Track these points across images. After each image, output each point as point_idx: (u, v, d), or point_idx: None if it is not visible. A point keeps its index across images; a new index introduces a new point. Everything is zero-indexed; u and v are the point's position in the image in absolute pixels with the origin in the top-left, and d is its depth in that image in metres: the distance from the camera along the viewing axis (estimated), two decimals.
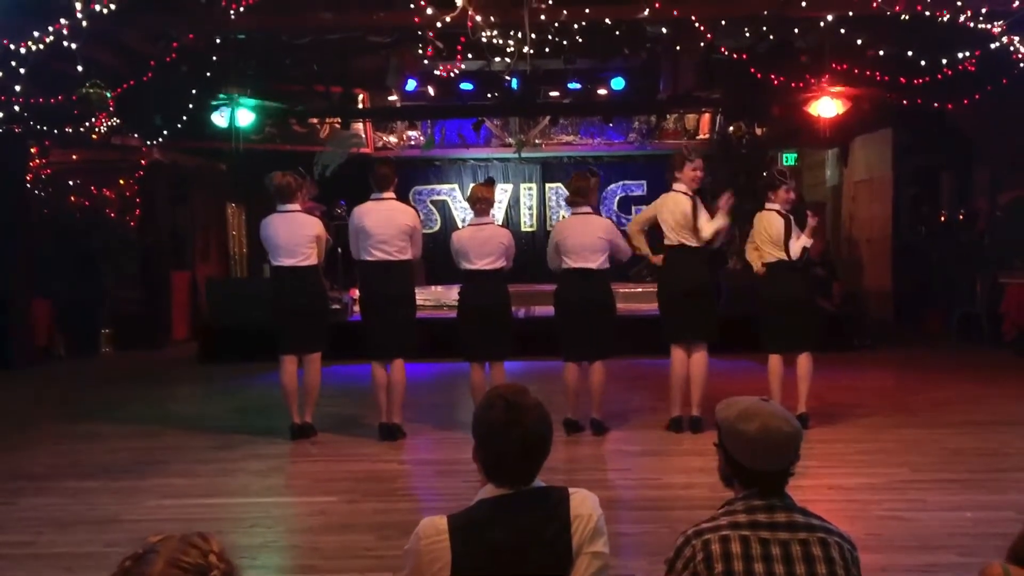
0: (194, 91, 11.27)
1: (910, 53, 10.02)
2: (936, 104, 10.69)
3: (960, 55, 9.62)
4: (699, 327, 6.91)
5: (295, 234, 6.90)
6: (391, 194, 6.98)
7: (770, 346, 7.06)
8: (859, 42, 9.87)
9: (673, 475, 5.85)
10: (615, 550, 2.41)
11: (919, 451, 6.30)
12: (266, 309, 7.13)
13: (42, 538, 4.80)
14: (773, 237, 6.92)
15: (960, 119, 11.15)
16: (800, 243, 6.87)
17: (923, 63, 9.97)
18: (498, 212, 15.89)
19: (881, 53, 10.37)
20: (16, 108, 9.15)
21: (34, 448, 6.94)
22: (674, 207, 6.89)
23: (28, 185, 11.81)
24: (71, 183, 12.68)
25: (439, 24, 8.98)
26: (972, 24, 8.56)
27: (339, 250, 10.15)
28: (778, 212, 6.97)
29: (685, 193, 6.86)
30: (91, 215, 12.58)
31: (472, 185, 7.80)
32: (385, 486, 5.80)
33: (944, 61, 9.82)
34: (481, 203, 7.08)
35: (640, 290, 11.89)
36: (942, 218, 12.91)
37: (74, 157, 12.38)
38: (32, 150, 11.75)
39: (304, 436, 6.93)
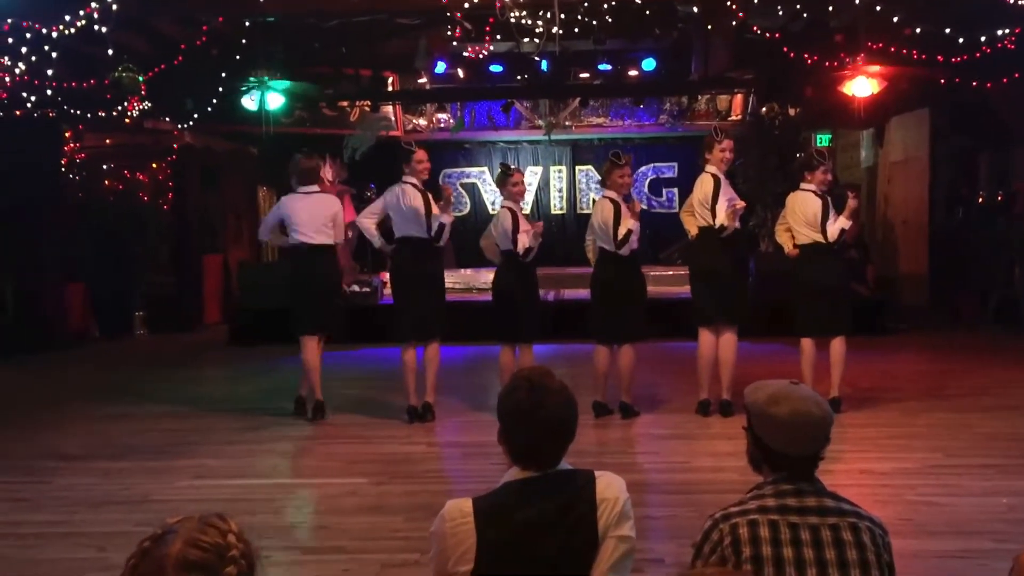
0: (224, 75, 11.32)
1: (948, 30, 9.82)
2: (974, 83, 10.47)
3: (999, 32, 9.40)
4: (728, 310, 6.85)
5: (318, 214, 6.95)
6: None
7: (803, 330, 6.97)
8: (895, 19, 9.68)
9: (701, 459, 5.82)
10: (642, 533, 2.39)
11: (953, 436, 6.21)
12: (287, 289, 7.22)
13: (75, 517, 4.87)
14: (809, 218, 6.82)
15: (999, 99, 10.92)
16: (838, 225, 6.76)
17: (961, 41, 9.76)
18: (528, 195, 15.84)
19: (918, 31, 10.17)
20: (49, 92, 9.24)
21: (68, 429, 7.04)
22: (698, 188, 6.85)
23: (63, 169, 11.94)
24: (104, 167, 12.81)
25: (467, 5, 8.93)
26: (1011, 0, 8.36)
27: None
28: (814, 193, 6.86)
29: (713, 175, 6.79)
30: (124, 199, 12.70)
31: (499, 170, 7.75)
32: (413, 468, 5.82)
33: (983, 39, 9.61)
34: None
35: (671, 273, 11.82)
36: (979, 200, 12.67)
37: (107, 141, 12.50)
38: (66, 134, 11.87)
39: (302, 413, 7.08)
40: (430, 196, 6.92)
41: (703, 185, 6.81)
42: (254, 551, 1.52)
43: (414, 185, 6.89)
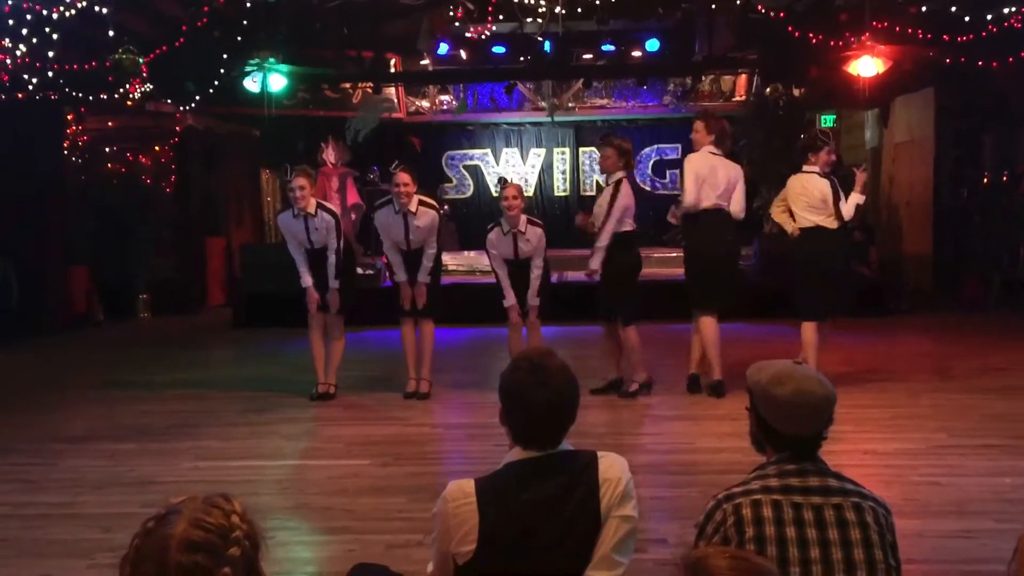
0: (226, 56, 11.27)
1: (954, 9, 9.74)
2: (980, 63, 10.39)
3: (1005, 11, 9.33)
4: (724, 295, 6.87)
5: None
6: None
7: (804, 314, 6.93)
8: None
9: (704, 439, 5.82)
10: (645, 514, 2.39)
11: (957, 416, 6.21)
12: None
13: (80, 499, 4.89)
14: (815, 202, 6.75)
15: (1005, 78, 10.84)
16: (853, 201, 6.76)
17: (967, 20, 9.68)
18: (531, 177, 15.79)
19: (924, 9, 10.08)
20: (50, 75, 9.21)
21: (73, 411, 7.06)
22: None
23: (65, 152, 11.92)
24: (107, 150, 12.78)
25: None
26: None
27: (372, 216, 10.15)
28: (819, 174, 6.81)
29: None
30: (127, 182, 12.68)
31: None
32: (417, 449, 5.83)
33: (989, 17, 9.54)
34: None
35: (675, 255, 11.78)
36: (984, 181, 12.62)
37: (109, 124, 12.46)
38: (68, 117, 11.84)
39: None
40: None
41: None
42: (258, 531, 1.52)
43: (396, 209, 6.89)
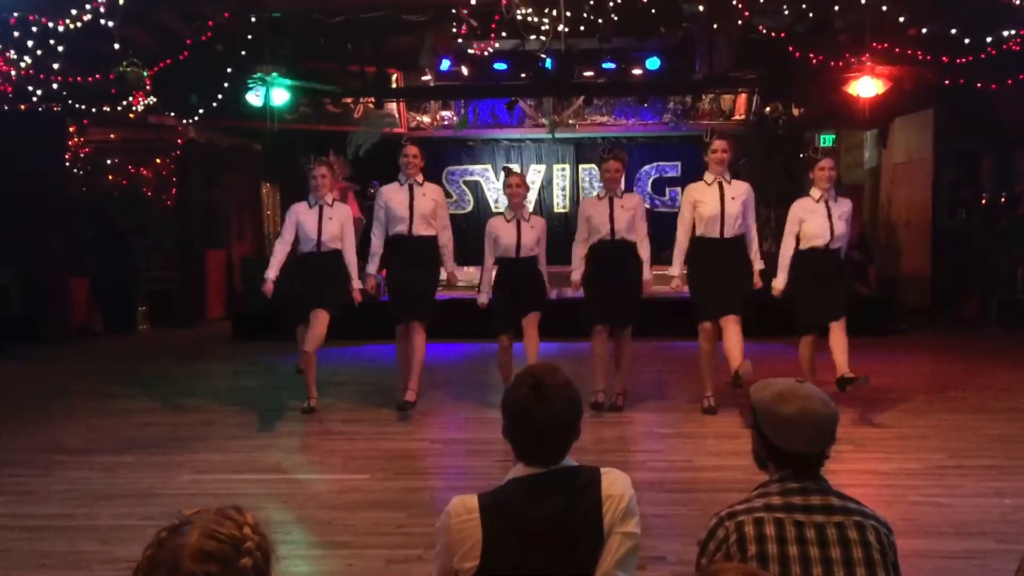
0: (229, 70, 11.32)
1: (954, 31, 9.81)
2: (979, 84, 10.46)
3: (1005, 34, 9.40)
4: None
5: None
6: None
7: (803, 320, 6.92)
8: (901, 20, 9.67)
9: (704, 457, 5.81)
10: (644, 531, 2.39)
11: (957, 437, 6.21)
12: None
13: (79, 511, 4.88)
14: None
15: (1004, 100, 10.91)
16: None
17: (967, 42, 9.75)
18: (531, 193, 15.81)
19: (924, 31, 10.16)
20: (54, 87, 9.26)
21: (71, 423, 7.05)
22: None
23: (67, 164, 11.96)
24: (109, 162, 12.83)
25: (473, 2, 8.93)
26: (1018, 1, 8.35)
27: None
28: (814, 199, 6.86)
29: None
30: (128, 194, 12.71)
31: None
32: (417, 464, 5.84)
33: (988, 40, 9.60)
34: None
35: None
36: (983, 202, 12.67)
37: (112, 136, 12.52)
38: (70, 129, 11.88)
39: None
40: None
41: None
42: (269, 544, 1.54)
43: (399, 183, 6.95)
